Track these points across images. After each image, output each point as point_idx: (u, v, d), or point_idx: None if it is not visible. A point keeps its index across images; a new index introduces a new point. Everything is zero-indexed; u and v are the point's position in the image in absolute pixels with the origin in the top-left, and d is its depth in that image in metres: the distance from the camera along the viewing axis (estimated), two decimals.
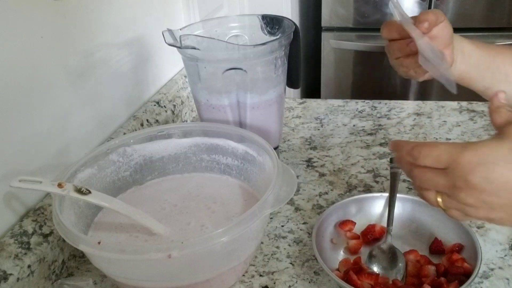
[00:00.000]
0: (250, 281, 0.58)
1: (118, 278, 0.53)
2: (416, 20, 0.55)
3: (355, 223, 0.63)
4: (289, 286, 0.57)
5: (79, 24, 0.68)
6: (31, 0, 0.58)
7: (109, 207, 0.55)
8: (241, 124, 0.74)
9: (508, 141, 0.39)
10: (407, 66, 0.59)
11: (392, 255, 0.58)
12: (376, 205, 0.65)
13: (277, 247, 0.63)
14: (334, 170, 0.80)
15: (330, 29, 1.97)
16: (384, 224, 0.62)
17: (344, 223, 0.63)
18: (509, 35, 1.81)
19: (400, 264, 0.57)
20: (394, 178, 0.66)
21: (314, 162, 0.83)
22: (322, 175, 0.79)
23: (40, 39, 0.60)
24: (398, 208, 0.63)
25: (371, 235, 0.62)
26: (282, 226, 0.68)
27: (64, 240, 0.52)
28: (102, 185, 0.63)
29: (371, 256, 0.59)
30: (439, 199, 0.42)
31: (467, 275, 0.52)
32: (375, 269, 0.58)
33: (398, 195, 0.64)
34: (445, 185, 0.41)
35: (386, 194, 0.65)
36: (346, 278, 0.54)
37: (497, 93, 0.46)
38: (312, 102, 1.08)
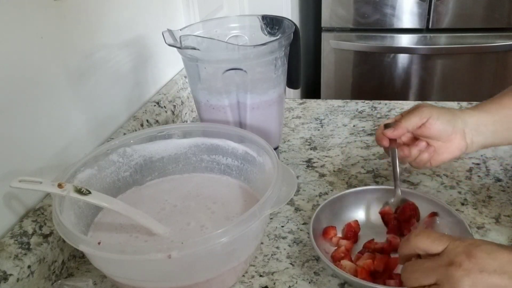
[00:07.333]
0: (250, 281, 0.58)
1: (118, 279, 0.53)
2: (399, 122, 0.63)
3: (335, 226, 0.63)
4: (289, 286, 0.57)
5: (79, 24, 0.68)
6: (31, 0, 0.58)
7: (109, 207, 0.55)
8: (241, 125, 0.74)
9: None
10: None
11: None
12: (353, 200, 0.66)
13: (277, 248, 0.63)
14: (334, 171, 0.80)
15: (330, 30, 1.97)
16: (357, 217, 0.65)
17: (326, 232, 0.63)
18: (509, 35, 1.81)
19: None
20: (392, 151, 0.66)
21: (314, 162, 0.83)
22: (322, 175, 0.79)
23: (40, 39, 0.60)
24: None
25: (352, 232, 0.63)
26: (282, 226, 0.68)
27: (64, 241, 0.52)
28: (102, 185, 0.63)
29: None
30: None
31: None
32: None
33: (392, 187, 0.65)
34: (440, 264, 0.40)
35: (363, 188, 0.68)
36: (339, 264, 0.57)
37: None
38: (312, 103, 1.08)
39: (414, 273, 0.42)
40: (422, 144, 0.64)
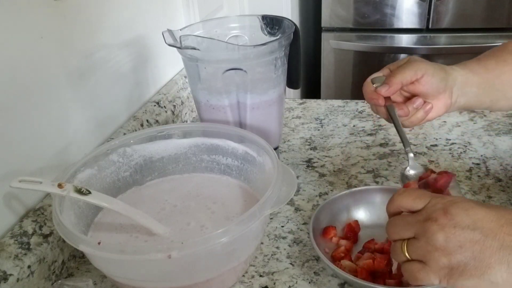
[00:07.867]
0: (250, 281, 0.58)
1: (118, 279, 0.53)
2: (393, 76, 0.59)
3: (335, 226, 0.63)
4: (289, 286, 0.57)
5: (79, 24, 0.68)
6: (31, 0, 0.58)
7: (109, 207, 0.55)
8: (241, 125, 0.74)
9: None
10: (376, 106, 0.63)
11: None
12: (353, 200, 0.66)
13: (277, 248, 0.63)
14: (334, 171, 0.80)
15: (330, 30, 1.97)
16: (357, 217, 0.64)
17: (326, 232, 0.62)
18: (509, 35, 1.81)
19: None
20: (391, 109, 0.63)
21: (314, 162, 0.83)
22: (322, 175, 0.79)
23: (40, 39, 0.60)
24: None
25: (352, 232, 0.63)
26: (282, 226, 0.68)
27: (64, 241, 0.52)
28: (102, 185, 0.63)
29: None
30: (404, 248, 0.43)
31: None
32: None
33: (392, 187, 0.65)
34: (419, 220, 0.42)
35: (360, 188, 0.67)
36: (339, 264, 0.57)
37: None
38: (312, 103, 1.08)
39: (396, 227, 0.44)
40: (419, 101, 0.61)
